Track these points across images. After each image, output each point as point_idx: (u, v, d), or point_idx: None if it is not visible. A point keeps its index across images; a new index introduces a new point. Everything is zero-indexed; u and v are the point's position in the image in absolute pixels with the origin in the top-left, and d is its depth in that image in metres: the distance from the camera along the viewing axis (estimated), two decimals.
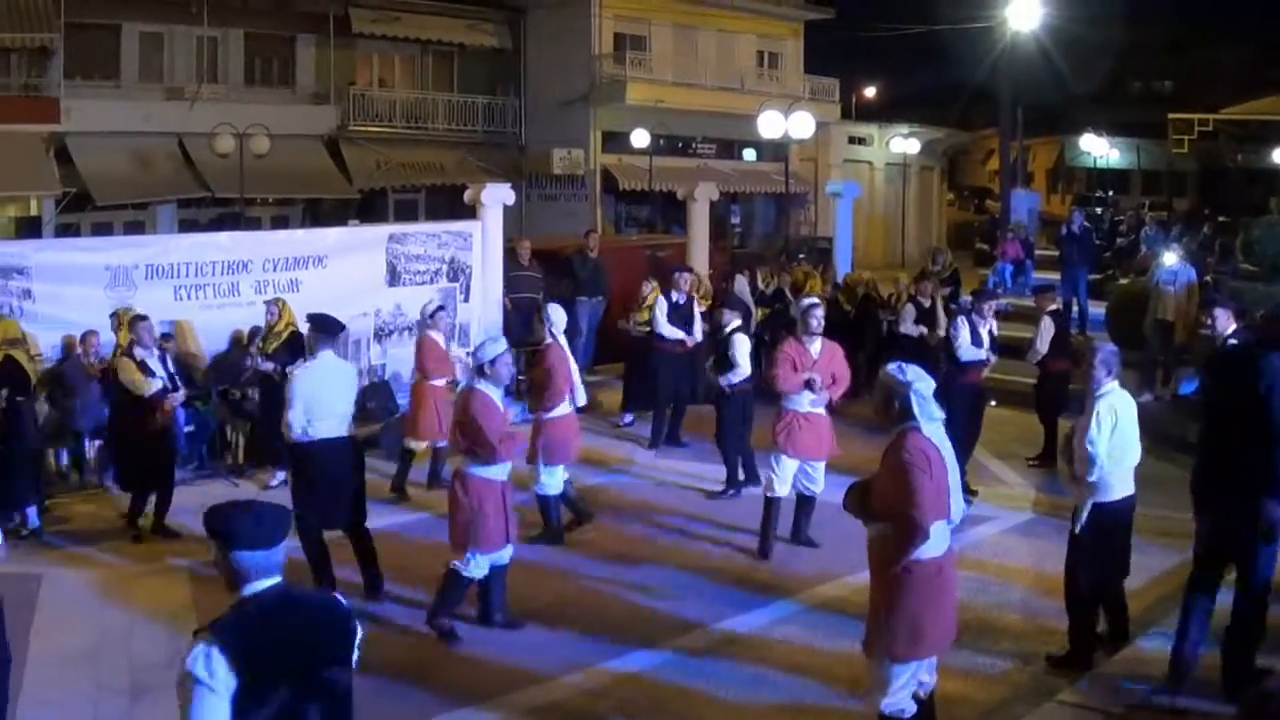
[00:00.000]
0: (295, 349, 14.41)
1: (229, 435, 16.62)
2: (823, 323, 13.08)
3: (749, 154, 45.42)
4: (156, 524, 13.63)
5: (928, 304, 18.35)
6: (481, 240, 19.63)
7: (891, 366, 7.99)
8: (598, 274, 21.14)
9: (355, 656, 5.00)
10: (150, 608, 11.30)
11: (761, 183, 44.58)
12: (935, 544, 7.64)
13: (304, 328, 13.23)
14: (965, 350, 14.90)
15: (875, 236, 48.26)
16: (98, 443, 15.55)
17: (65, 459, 15.67)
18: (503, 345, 10.85)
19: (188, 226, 33.97)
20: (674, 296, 17.78)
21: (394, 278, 18.71)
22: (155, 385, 13.79)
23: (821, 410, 12.85)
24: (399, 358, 18.41)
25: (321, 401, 11.22)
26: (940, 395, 7.73)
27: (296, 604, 4.96)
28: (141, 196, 33.91)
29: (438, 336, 15.74)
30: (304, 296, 17.08)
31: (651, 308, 18.28)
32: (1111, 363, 9.53)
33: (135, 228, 33.91)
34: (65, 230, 32.00)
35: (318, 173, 37.22)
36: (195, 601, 11.40)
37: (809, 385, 12.64)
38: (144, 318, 14.35)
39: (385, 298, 18.59)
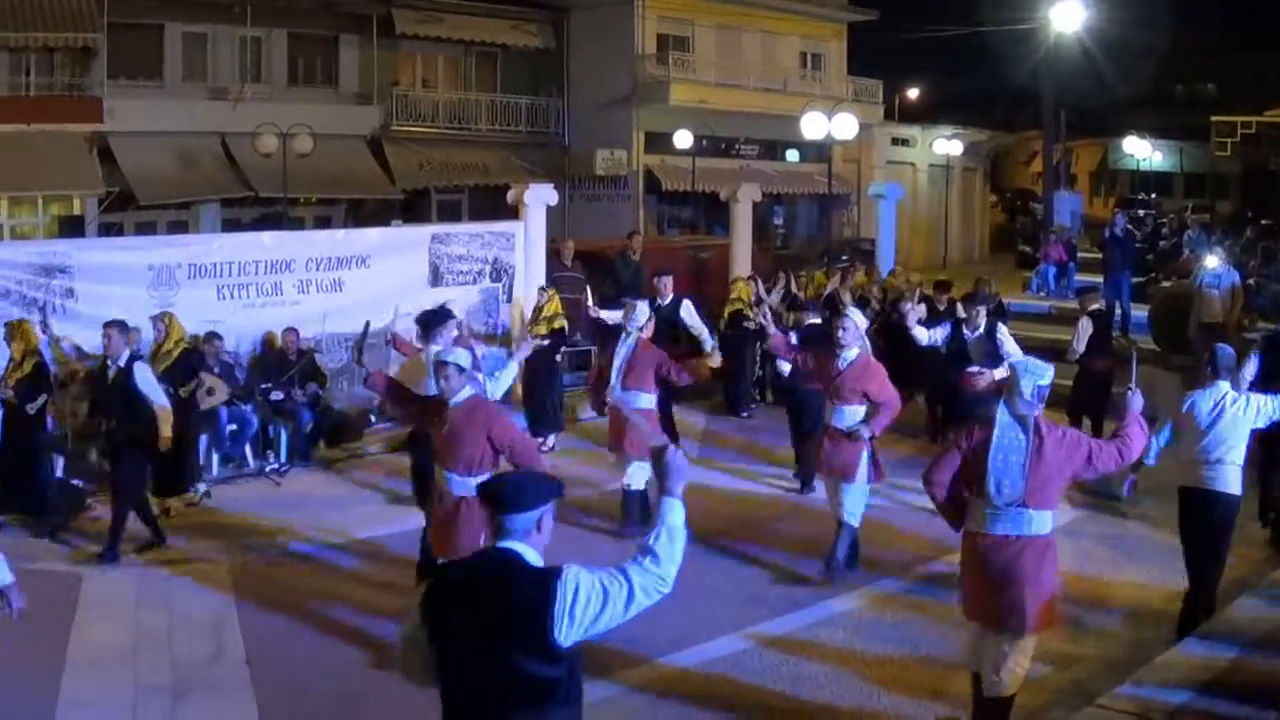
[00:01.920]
0: (188, 368, 14.29)
1: (270, 434, 16.55)
2: (855, 334, 12.28)
3: (792, 155, 45.19)
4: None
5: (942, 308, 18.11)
6: (524, 240, 19.60)
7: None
8: (640, 275, 20.96)
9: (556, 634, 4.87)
10: (191, 606, 11.24)
11: (804, 184, 44.35)
12: (975, 520, 8.18)
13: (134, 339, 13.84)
14: (919, 334, 15.08)
15: (918, 238, 47.97)
16: None
17: None
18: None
19: (231, 226, 33.97)
20: (656, 301, 16.91)
21: (437, 278, 18.74)
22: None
23: (858, 430, 12.05)
24: None
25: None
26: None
27: (483, 564, 5.18)
28: (185, 196, 33.95)
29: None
30: (347, 296, 17.35)
31: (550, 318, 17.88)
32: (1228, 364, 10.10)
33: (178, 227, 33.98)
34: (108, 229, 32.09)
35: (361, 173, 37.21)
36: (236, 599, 11.37)
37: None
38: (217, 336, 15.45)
39: (428, 298, 17.97)
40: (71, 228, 31.90)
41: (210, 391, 15.48)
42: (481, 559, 5.22)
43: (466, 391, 9.50)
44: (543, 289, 18.18)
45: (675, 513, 5.10)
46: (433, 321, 12.14)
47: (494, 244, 19.29)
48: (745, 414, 19.99)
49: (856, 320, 12.42)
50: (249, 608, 11.06)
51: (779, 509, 14.85)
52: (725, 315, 19.76)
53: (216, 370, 15.74)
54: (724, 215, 27.50)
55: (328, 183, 35.72)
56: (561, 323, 17.92)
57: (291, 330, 16.45)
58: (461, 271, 18.93)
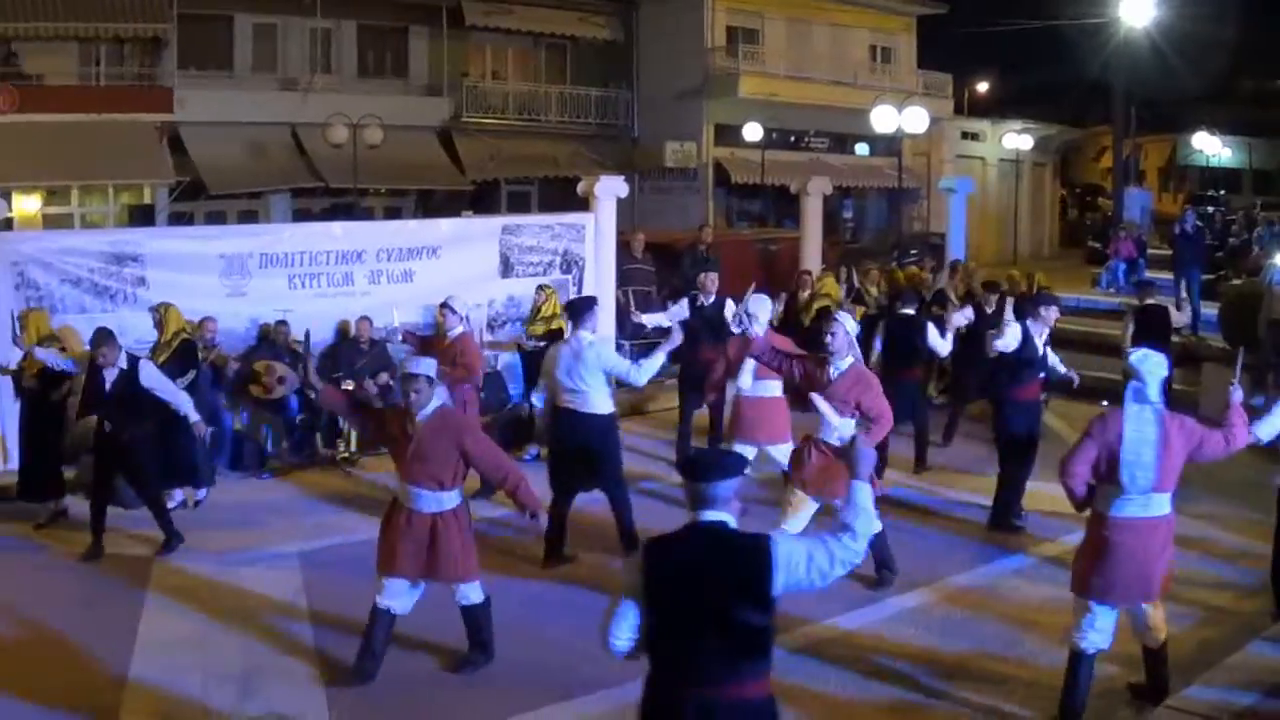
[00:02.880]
0: (187, 359, 13.96)
1: (341, 425, 16.55)
2: (842, 339, 10.96)
3: (861, 149, 44.99)
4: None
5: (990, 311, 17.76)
6: (595, 232, 19.47)
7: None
8: (710, 268, 20.81)
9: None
10: (261, 595, 11.26)
11: (874, 178, 44.16)
12: (1101, 502, 8.58)
13: (212, 328, 14.78)
14: (934, 341, 15.33)
15: (988, 233, 47.57)
16: (210, 430, 15.59)
17: None
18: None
19: (301, 216, 34.14)
20: (699, 299, 16.57)
21: (507, 269, 18.64)
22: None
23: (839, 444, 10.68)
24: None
25: (566, 375, 11.93)
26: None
27: (706, 532, 5.65)
28: (255, 186, 34.19)
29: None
30: (417, 287, 17.31)
31: (549, 318, 17.01)
32: None
33: (249, 217, 34.25)
34: (178, 219, 32.40)
35: (430, 164, 37.34)
36: (307, 588, 11.40)
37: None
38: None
39: (498, 289, 18.51)
40: (142, 217, 32.17)
41: (281, 380, 15.57)
42: (696, 530, 5.65)
43: (434, 403, 9.16)
44: (540, 288, 17.35)
45: (865, 494, 5.83)
46: (582, 309, 12.32)
47: (564, 235, 19.20)
48: None
49: (847, 326, 11.05)
50: (320, 596, 11.06)
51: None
52: (811, 312, 19.53)
53: (286, 359, 15.79)
54: (793, 208, 27.40)
55: (397, 174, 35.87)
56: (561, 323, 16.83)
57: (365, 319, 16.42)
58: (531, 263, 18.84)
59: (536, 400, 13.59)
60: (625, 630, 5.65)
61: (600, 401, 12.15)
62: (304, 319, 16.05)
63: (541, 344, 16.26)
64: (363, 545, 12.30)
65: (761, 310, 12.18)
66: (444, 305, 14.84)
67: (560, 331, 16.71)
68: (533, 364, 16.34)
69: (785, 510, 11.13)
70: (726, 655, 5.49)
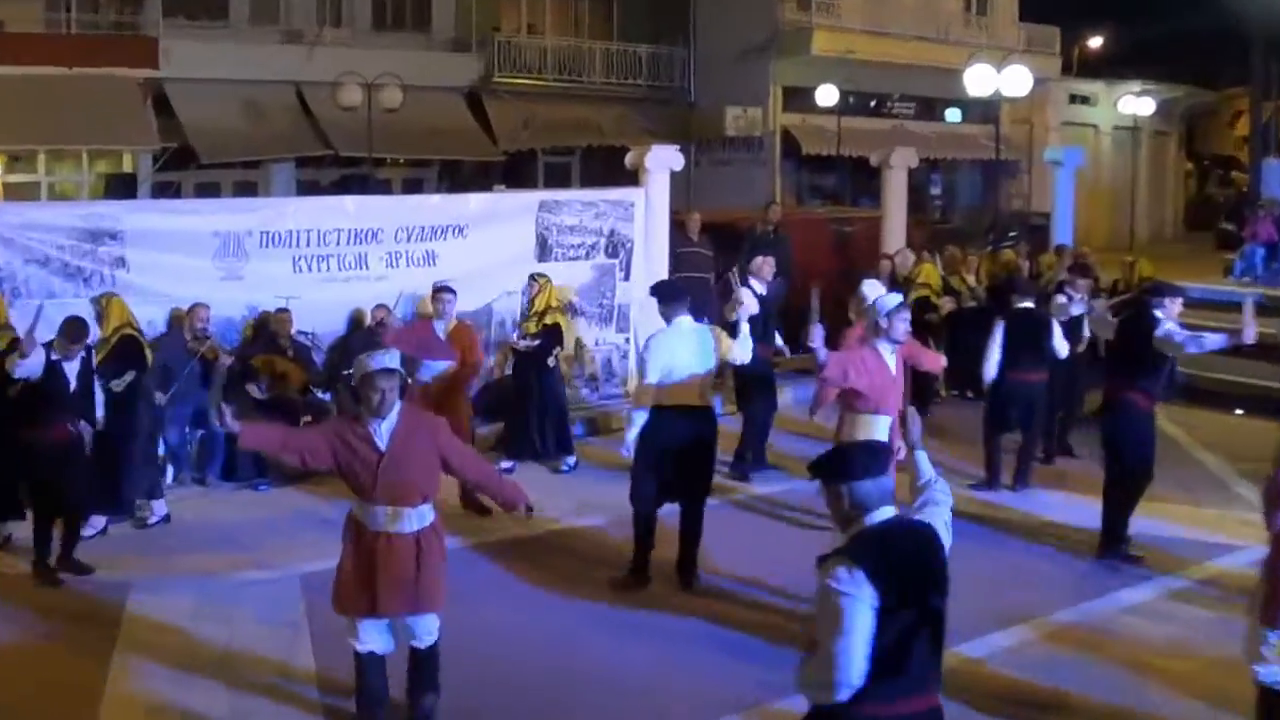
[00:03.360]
0: (127, 358, 13.76)
1: None
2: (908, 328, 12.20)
3: (953, 115, 44.82)
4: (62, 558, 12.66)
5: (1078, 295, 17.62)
6: (645, 210, 19.49)
7: None
8: (778, 252, 20.69)
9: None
10: (254, 627, 11.24)
11: (967, 148, 44.00)
12: None
13: (203, 316, 14.85)
14: (1057, 342, 15.88)
15: (1099, 212, 47.31)
16: (199, 432, 15.67)
17: (162, 449, 15.49)
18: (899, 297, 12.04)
19: (307, 189, 34.29)
20: (755, 286, 16.37)
21: (544, 251, 18.69)
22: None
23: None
24: None
25: (677, 367, 11.93)
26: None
27: (911, 530, 6.16)
28: (253, 154, 34.24)
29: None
30: (441, 271, 17.18)
31: (542, 313, 16.71)
32: None
33: (246, 189, 34.36)
34: (164, 190, 32.42)
35: (457, 131, 37.36)
36: (309, 617, 11.32)
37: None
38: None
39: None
40: (121, 188, 32.12)
41: (283, 378, 15.68)
42: (894, 523, 6.08)
43: (395, 406, 8.80)
44: (533, 278, 16.97)
45: (925, 460, 6.83)
46: (673, 294, 12.49)
47: (610, 214, 19.21)
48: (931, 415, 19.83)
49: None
50: (324, 628, 10.75)
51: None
52: (910, 301, 19.47)
53: (290, 353, 15.89)
54: (873, 184, 27.38)
55: (418, 142, 35.92)
56: (556, 318, 16.88)
57: (382, 307, 16.38)
58: (573, 245, 18.90)
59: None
60: (862, 658, 5.74)
61: (708, 395, 12.45)
62: (310, 307, 16.52)
63: (535, 343, 16.38)
64: None
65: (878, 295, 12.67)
66: (444, 289, 15.01)
67: (557, 328, 16.81)
68: (527, 365, 16.53)
69: None
70: (937, 657, 6.04)
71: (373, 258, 17.29)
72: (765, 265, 16.77)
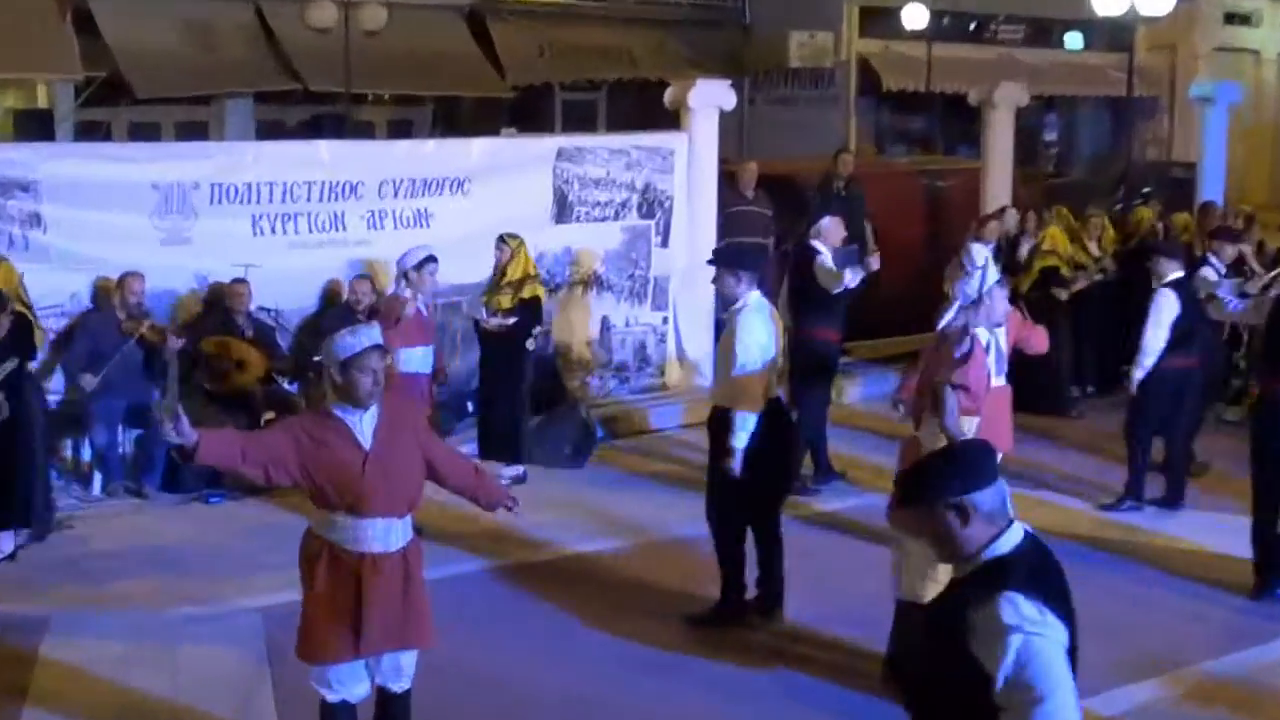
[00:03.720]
0: (19, 341, 13.81)
1: None
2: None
3: (1073, 40, 44.75)
4: None
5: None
6: (687, 160, 19.55)
7: None
8: (852, 210, 20.73)
9: None
10: (203, 671, 11.28)
11: (1091, 82, 43.88)
12: None
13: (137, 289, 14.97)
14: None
15: (1259, 161, 46.93)
16: (135, 432, 15.73)
17: (87, 454, 15.76)
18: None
19: (271, 132, 34.13)
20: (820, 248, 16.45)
21: (563, 211, 18.90)
22: None
23: None
24: (569, 321, 18.59)
25: (766, 354, 12.03)
26: None
27: (1048, 550, 5.87)
28: (202, 88, 34.05)
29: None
30: (436, 234, 17.38)
31: (517, 283, 16.58)
32: None
33: (193, 131, 34.26)
34: (90, 132, 32.36)
35: (455, 60, 37.29)
36: (272, 660, 11.33)
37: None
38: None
39: (550, 237, 18.68)
40: (34, 127, 31.75)
41: (240, 365, 15.73)
42: (1033, 541, 5.81)
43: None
44: (503, 240, 16.75)
45: None
46: (751, 262, 12.58)
47: (644, 164, 19.31)
48: (1074, 413, 20.20)
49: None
50: (291, 674, 10.33)
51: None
52: (1033, 274, 19.47)
53: (248, 334, 15.98)
54: (971, 127, 27.36)
55: (408, 73, 35.82)
56: (536, 290, 16.78)
57: (363, 279, 16.57)
58: (599, 202, 19.08)
59: None
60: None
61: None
62: (274, 278, 16.66)
63: (510, 321, 16.26)
64: None
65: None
66: (430, 259, 15.06)
67: (536, 302, 16.70)
68: (498, 349, 16.50)
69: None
70: None
71: (351, 218, 17.37)
72: (835, 228, 16.69)
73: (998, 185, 24.13)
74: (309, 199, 17.11)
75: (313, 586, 8.76)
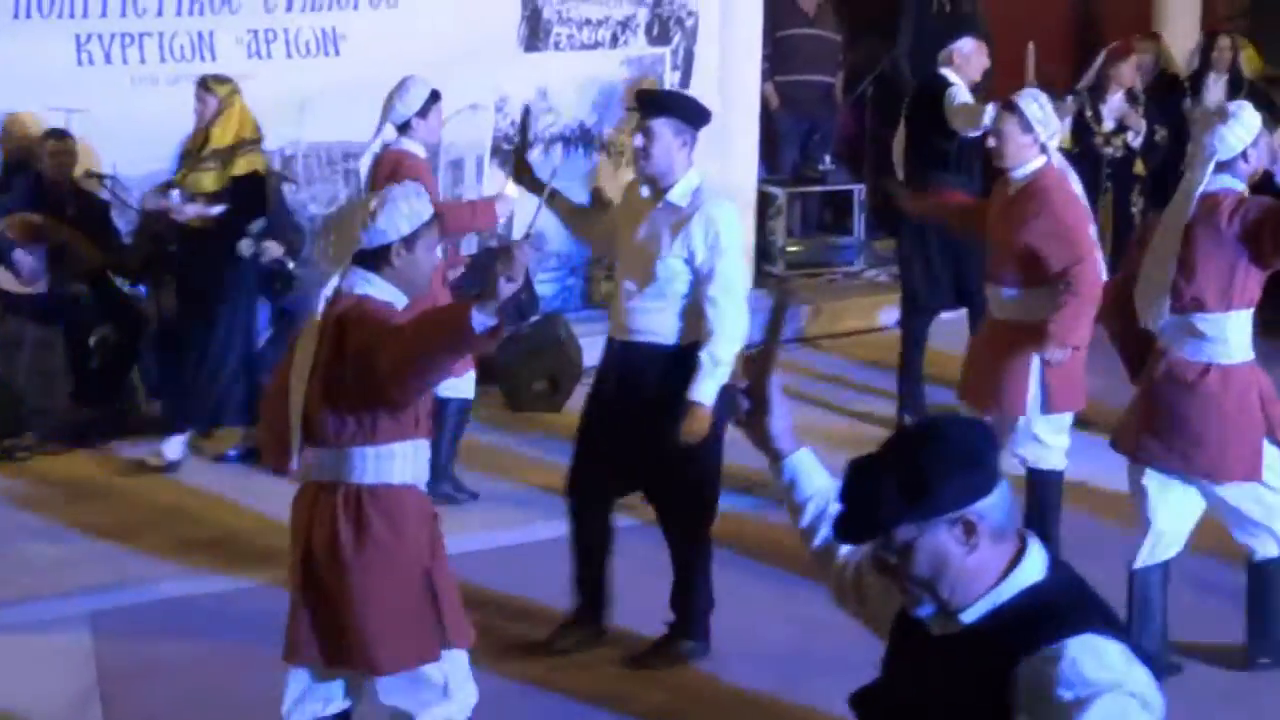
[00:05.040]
0: None
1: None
2: None
3: None
4: None
5: None
6: None
7: None
8: (960, 33, 19.51)
9: None
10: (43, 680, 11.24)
11: None
12: None
13: None
14: None
15: None
16: None
17: None
18: None
19: None
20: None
21: (534, 34, 18.15)
22: None
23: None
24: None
25: None
26: None
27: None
28: None
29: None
30: (347, 66, 17.07)
31: (229, 154, 15.35)
32: None
33: None
34: None
35: None
36: (101, 678, 11.24)
37: None
38: None
39: (516, 73, 18.26)
40: None
41: (60, 250, 15.10)
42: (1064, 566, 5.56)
43: None
44: (205, 85, 15.14)
45: None
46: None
47: None
48: None
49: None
50: (126, 696, 11.00)
51: None
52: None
53: (70, 210, 15.24)
54: None
55: None
56: (255, 163, 15.33)
57: None
58: (586, 21, 18.38)
59: None
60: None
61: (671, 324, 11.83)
62: (111, 128, 15.90)
63: (214, 210, 14.88)
64: (222, 596, 12.97)
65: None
66: (436, 95, 13.91)
67: (256, 181, 15.48)
68: (196, 254, 15.19)
69: None
70: None
71: (223, 39, 16.59)
72: (978, 54, 16.82)
73: None
74: (160, 12, 16.24)
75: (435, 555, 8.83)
